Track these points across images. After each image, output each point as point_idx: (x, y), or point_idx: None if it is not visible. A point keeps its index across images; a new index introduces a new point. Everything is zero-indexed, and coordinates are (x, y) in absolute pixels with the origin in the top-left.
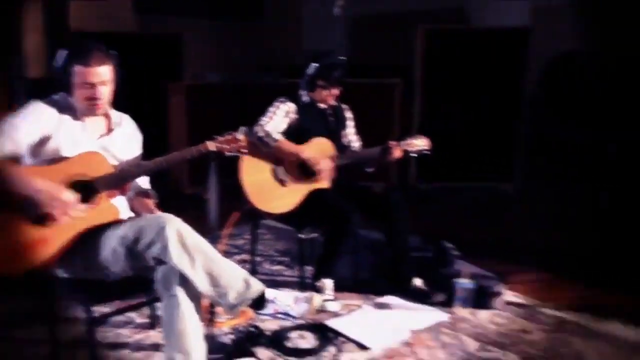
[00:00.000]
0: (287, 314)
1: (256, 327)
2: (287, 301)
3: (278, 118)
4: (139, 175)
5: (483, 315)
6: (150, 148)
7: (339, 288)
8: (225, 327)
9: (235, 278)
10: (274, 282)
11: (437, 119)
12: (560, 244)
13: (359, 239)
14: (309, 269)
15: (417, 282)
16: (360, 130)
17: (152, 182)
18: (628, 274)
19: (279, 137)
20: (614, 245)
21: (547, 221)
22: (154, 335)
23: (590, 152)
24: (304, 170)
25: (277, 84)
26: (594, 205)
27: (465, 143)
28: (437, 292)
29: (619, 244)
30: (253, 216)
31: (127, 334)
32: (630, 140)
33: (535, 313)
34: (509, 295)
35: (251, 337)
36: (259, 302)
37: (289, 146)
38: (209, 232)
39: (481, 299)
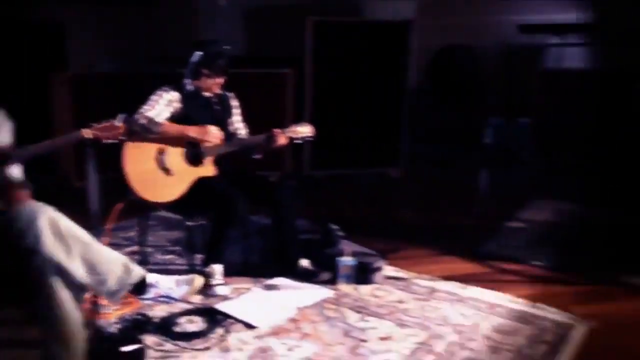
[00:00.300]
0: (169, 297)
1: (143, 314)
2: (168, 284)
3: (160, 107)
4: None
5: (365, 289)
6: (34, 139)
7: (229, 273)
8: (113, 317)
9: (114, 264)
10: (165, 272)
11: (327, 109)
12: (439, 221)
13: (249, 225)
14: (200, 257)
15: (304, 263)
16: (253, 120)
17: (38, 174)
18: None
19: (162, 121)
20: (486, 222)
21: (428, 202)
22: (32, 330)
23: (470, 136)
24: (189, 157)
25: (169, 74)
26: (474, 186)
27: (355, 131)
28: (323, 271)
29: (491, 220)
30: (141, 207)
31: (2, 332)
32: (504, 125)
33: (411, 285)
34: (389, 270)
35: (138, 325)
36: (140, 287)
37: (174, 127)
38: (93, 226)
39: (363, 274)
